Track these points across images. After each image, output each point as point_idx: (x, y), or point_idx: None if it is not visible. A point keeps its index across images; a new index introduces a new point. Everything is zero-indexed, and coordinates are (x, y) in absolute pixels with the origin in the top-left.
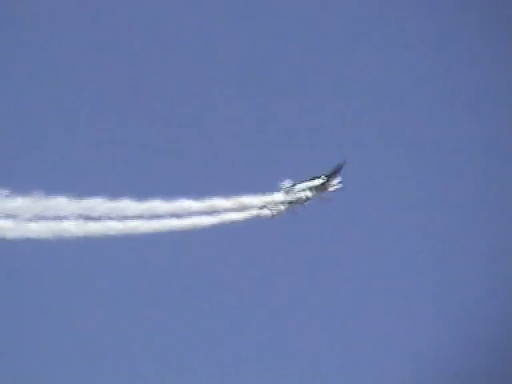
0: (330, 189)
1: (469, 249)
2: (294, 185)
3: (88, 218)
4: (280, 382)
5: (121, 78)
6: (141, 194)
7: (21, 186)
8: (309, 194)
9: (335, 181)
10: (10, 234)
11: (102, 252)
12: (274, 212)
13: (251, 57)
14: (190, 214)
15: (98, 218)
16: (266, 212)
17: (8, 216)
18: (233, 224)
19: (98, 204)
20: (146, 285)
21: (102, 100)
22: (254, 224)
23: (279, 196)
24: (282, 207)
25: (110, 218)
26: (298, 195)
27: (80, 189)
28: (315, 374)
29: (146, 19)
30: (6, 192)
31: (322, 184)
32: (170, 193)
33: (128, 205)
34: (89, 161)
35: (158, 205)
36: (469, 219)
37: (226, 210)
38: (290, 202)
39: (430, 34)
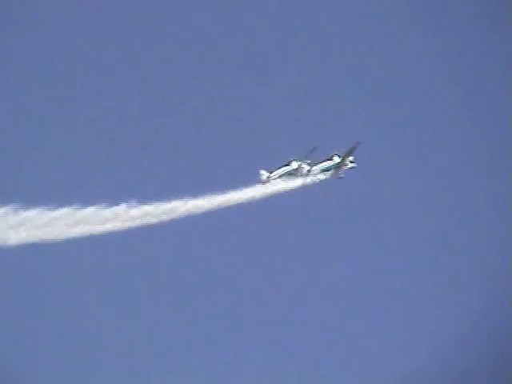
0: (344, 167)
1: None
2: (309, 169)
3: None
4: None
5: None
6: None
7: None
8: (327, 175)
9: (349, 160)
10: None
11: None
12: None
13: (249, 52)
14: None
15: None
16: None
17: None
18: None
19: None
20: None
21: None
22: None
23: (298, 181)
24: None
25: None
26: (317, 177)
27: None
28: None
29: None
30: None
31: (338, 163)
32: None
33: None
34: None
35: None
36: (473, 214)
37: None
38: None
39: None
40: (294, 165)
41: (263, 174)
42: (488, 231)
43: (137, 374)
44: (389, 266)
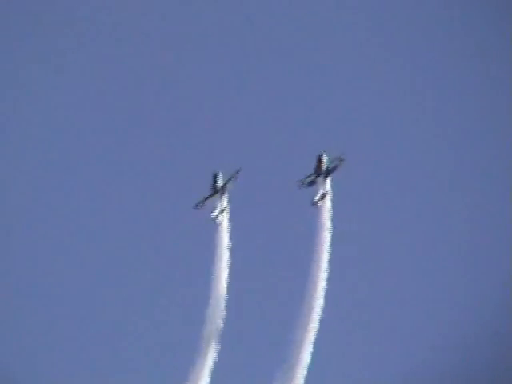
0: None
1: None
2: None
3: None
4: None
5: None
6: None
7: None
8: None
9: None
10: None
11: None
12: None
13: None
14: None
15: None
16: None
17: None
18: None
19: None
20: None
21: None
22: None
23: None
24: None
25: None
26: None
27: None
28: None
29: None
30: None
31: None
32: None
33: None
34: None
35: None
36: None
37: None
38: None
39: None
40: (220, 182)
41: (212, 214)
42: (487, 234)
43: None
44: (389, 268)
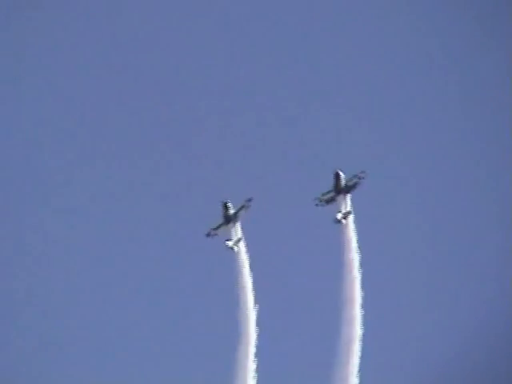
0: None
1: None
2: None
3: None
4: None
5: None
6: None
7: None
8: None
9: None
10: None
11: None
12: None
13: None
14: None
15: None
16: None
17: None
18: None
19: None
20: None
21: None
22: None
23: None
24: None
25: None
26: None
27: None
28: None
29: None
30: None
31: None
32: None
33: None
34: None
35: None
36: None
37: None
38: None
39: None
40: (231, 211)
41: (228, 244)
42: (488, 241)
43: None
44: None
